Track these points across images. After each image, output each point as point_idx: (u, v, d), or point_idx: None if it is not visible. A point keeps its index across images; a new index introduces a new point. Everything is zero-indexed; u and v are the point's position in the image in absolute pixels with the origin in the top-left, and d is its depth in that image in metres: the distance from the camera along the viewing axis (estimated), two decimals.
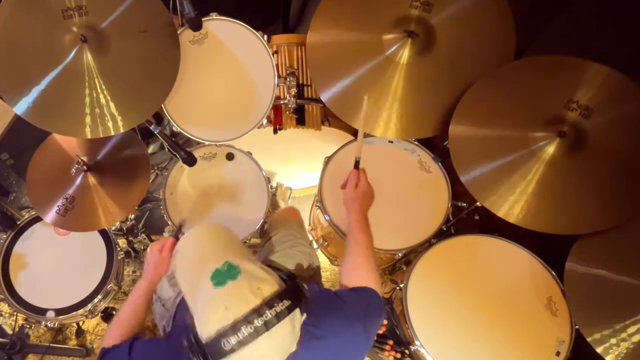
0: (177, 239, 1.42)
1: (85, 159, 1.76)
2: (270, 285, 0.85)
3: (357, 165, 1.43)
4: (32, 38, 1.49)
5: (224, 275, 0.85)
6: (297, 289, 0.88)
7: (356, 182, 1.39)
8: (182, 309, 1.33)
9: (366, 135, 1.90)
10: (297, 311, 0.86)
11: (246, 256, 0.94)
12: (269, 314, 0.81)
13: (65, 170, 1.77)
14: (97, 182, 1.76)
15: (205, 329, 0.84)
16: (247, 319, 0.80)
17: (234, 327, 0.80)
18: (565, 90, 1.53)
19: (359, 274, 1.22)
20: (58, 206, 1.73)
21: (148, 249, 1.79)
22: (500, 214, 1.55)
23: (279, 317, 0.82)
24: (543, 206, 1.52)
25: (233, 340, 0.80)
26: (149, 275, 1.36)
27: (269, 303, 0.82)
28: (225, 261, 0.87)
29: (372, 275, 1.21)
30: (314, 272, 1.71)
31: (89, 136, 1.53)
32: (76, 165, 1.73)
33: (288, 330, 0.83)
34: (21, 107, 1.48)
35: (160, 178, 2.06)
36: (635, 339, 1.40)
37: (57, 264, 1.89)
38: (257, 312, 0.81)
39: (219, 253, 0.92)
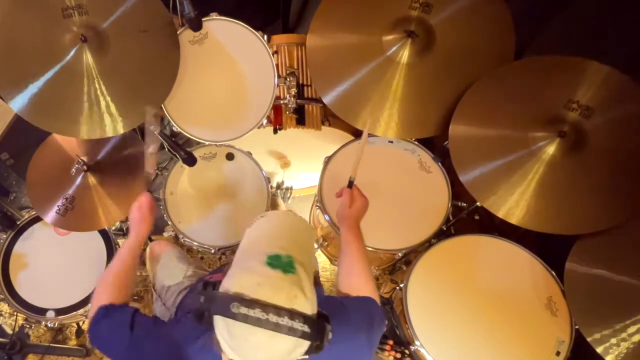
0: (151, 193, 1.44)
1: (85, 159, 1.76)
2: (305, 303, 0.84)
3: (350, 184, 1.42)
4: (31, 36, 1.49)
5: (280, 263, 0.85)
6: (322, 330, 0.85)
7: (350, 201, 1.38)
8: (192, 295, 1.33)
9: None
10: (306, 344, 0.83)
11: (310, 267, 0.92)
12: (284, 321, 0.80)
13: (65, 170, 1.77)
14: (97, 182, 1.76)
15: (229, 284, 0.84)
16: (265, 307, 0.80)
17: (251, 303, 0.80)
18: (566, 90, 1.53)
19: (357, 282, 1.22)
20: (58, 206, 1.73)
21: (147, 249, 1.80)
22: (500, 214, 1.55)
23: (289, 331, 0.80)
24: (543, 206, 1.52)
25: (242, 310, 0.79)
26: (134, 232, 1.38)
27: (292, 314, 0.81)
28: (290, 255, 0.87)
29: (370, 284, 1.22)
30: (314, 276, 1.71)
31: (88, 136, 1.53)
32: (76, 165, 1.73)
33: (286, 348, 0.82)
34: (21, 107, 1.48)
35: (160, 178, 2.06)
36: (635, 338, 1.40)
37: (57, 264, 1.89)
38: (278, 311, 0.80)
39: (291, 245, 0.92)
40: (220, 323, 0.83)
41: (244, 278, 0.84)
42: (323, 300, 1.13)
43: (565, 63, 1.56)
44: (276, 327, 0.79)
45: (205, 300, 0.85)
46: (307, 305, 0.84)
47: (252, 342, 0.81)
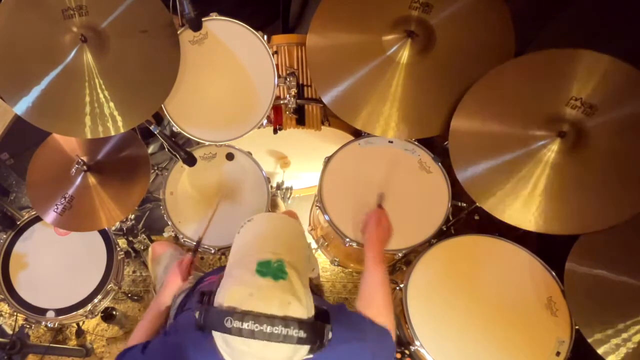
0: (194, 255, 1.46)
1: (85, 159, 1.76)
2: (300, 308, 0.83)
3: (380, 201, 1.43)
4: (32, 38, 1.49)
5: (270, 270, 0.84)
6: (320, 330, 0.85)
7: (379, 221, 1.39)
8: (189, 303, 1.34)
9: (366, 135, 1.90)
10: (305, 348, 0.83)
11: (302, 270, 0.91)
12: (278, 330, 0.80)
13: (65, 170, 1.77)
14: (97, 182, 1.76)
15: (222, 297, 0.84)
16: (258, 318, 0.80)
17: (244, 315, 0.80)
18: (567, 87, 1.51)
19: (376, 314, 1.18)
20: (58, 206, 1.73)
21: (149, 249, 1.80)
22: (500, 215, 1.56)
23: (285, 339, 0.80)
24: (543, 207, 1.52)
25: (235, 324, 0.80)
26: (168, 289, 1.39)
27: (286, 322, 0.80)
28: (281, 259, 0.86)
29: (389, 317, 1.19)
30: (314, 275, 1.71)
31: (88, 136, 1.53)
32: (76, 165, 1.73)
33: (285, 355, 0.82)
34: (21, 107, 1.48)
35: (160, 178, 2.06)
36: (635, 339, 1.40)
37: (57, 264, 1.89)
38: (271, 320, 0.80)
39: (281, 248, 0.91)
40: (218, 336, 0.83)
41: (235, 290, 0.84)
42: (337, 313, 1.13)
43: (564, 56, 1.53)
44: (271, 337, 0.79)
45: (200, 315, 0.85)
46: (302, 310, 0.84)
47: (249, 352, 0.81)
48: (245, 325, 0.79)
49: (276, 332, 0.80)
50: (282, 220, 1.02)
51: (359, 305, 1.22)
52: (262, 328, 0.79)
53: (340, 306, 1.16)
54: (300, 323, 0.82)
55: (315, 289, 1.69)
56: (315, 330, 0.84)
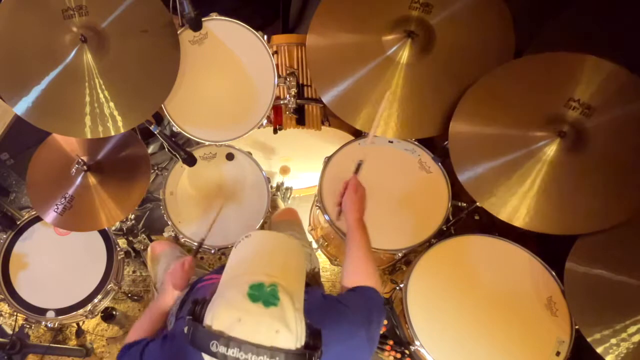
0: (195, 256, 1.46)
1: (85, 158, 1.76)
2: (288, 338, 0.81)
3: (357, 169, 1.44)
4: (32, 38, 1.49)
5: (262, 295, 0.82)
6: (309, 357, 0.83)
7: (356, 188, 1.39)
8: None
9: (366, 135, 1.90)
10: None
11: (297, 292, 0.89)
12: None
13: (66, 170, 1.77)
14: (97, 182, 1.76)
15: (212, 318, 0.83)
16: (244, 346, 0.78)
17: (229, 341, 0.79)
18: (566, 89, 1.53)
19: (361, 273, 1.23)
20: (58, 206, 1.73)
21: (148, 249, 1.80)
22: (500, 215, 1.55)
23: None
24: (543, 207, 1.52)
25: (221, 349, 0.79)
26: (168, 291, 1.38)
27: (272, 352, 0.79)
28: (275, 283, 0.84)
29: (373, 276, 1.22)
30: (314, 274, 1.71)
31: (89, 136, 1.53)
32: (76, 165, 1.73)
33: None
34: (21, 107, 1.48)
35: (160, 178, 2.06)
36: (635, 339, 1.40)
37: (57, 264, 1.89)
38: (258, 350, 0.78)
39: (276, 270, 0.88)
40: (205, 356, 0.83)
41: (225, 313, 0.82)
42: (321, 301, 1.13)
43: (565, 60, 1.55)
44: None
45: (189, 331, 0.84)
46: (291, 339, 0.81)
47: None
48: (230, 352, 0.78)
49: None
50: (280, 240, 1.00)
51: (347, 275, 1.24)
52: (246, 357, 0.78)
53: (331, 301, 1.14)
54: (287, 354, 0.80)
55: (314, 281, 1.68)
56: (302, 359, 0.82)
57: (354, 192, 1.38)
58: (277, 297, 0.83)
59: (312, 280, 1.68)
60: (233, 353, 0.78)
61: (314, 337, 0.86)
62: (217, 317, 0.82)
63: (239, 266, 0.92)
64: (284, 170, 2.40)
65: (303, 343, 0.84)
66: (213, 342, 0.79)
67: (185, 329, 0.85)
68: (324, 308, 1.08)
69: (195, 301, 0.90)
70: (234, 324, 0.80)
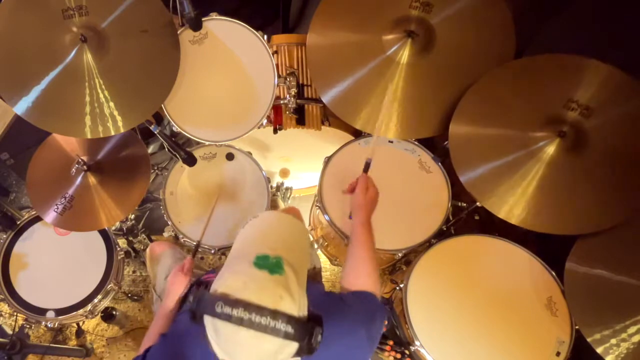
0: (193, 257, 1.46)
1: (85, 158, 1.76)
2: (291, 305, 0.83)
3: (367, 168, 1.40)
4: (32, 38, 1.49)
5: (268, 264, 0.85)
6: (310, 330, 0.84)
7: (366, 187, 1.36)
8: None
9: (366, 135, 1.90)
10: (293, 345, 0.83)
11: (300, 270, 0.91)
12: (266, 321, 0.80)
13: (66, 170, 1.77)
14: (97, 182, 1.76)
15: (218, 284, 0.85)
16: (248, 307, 0.80)
17: (235, 302, 0.81)
18: (565, 90, 1.53)
19: (361, 274, 1.22)
20: (58, 206, 1.73)
21: (148, 250, 1.80)
22: (501, 214, 1.56)
23: (272, 331, 0.80)
24: (543, 206, 1.52)
25: (226, 309, 0.81)
26: (171, 295, 1.37)
27: (275, 314, 0.81)
28: (279, 256, 0.87)
29: (372, 277, 1.22)
30: (315, 273, 1.71)
31: (88, 136, 1.53)
32: (76, 165, 1.73)
33: (271, 348, 0.82)
34: (21, 107, 1.48)
35: (160, 178, 2.06)
36: (635, 339, 1.40)
37: (57, 264, 1.89)
38: (260, 311, 0.80)
39: (281, 245, 0.92)
40: (208, 322, 0.84)
41: (231, 278, 0.85)
42: (322, 297, 1.14)
43: (565, 62, 1.55)
44: (258, 327, 0.80)
45: (194, 299, 0.86)
46: (293, 307, 0.84)
47: (236, 341, 0.82)
48: (234, 312, 0.80)
49: (264, 322, 0.80)
50: (287, 219, 1.02)
51: (347, 274, 1.23)
52: (250, 317, 0.80)
53: (333, 299, 1.15)
54: (290, 318, 0.82)
55: (314, 279, 1.68)
56: (304, 328, 0.84)
57: (363, 192, 1.36)
58: (282, 267, 0.86)
59: (313, 279, 1.69)
60: (237, 313, 0.80)
61: (315, 318, 0.88)
62: (223, 283, 0.85)
63: (246, 242, 0.96)
64: (284, 173, 2.40)
65: (304, 314, 0.87)
66: (218, 303, 0.81)
67: (191, 298, 0.87)
68: (326, 304, 1.08)
69: (199, 282, 0.91)
70: (239, 288, 0.83)
